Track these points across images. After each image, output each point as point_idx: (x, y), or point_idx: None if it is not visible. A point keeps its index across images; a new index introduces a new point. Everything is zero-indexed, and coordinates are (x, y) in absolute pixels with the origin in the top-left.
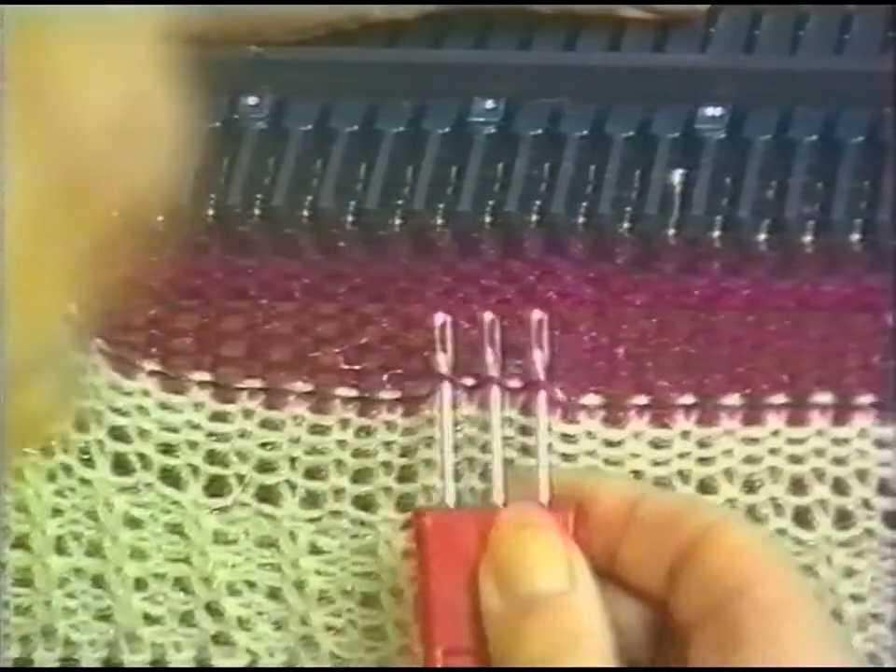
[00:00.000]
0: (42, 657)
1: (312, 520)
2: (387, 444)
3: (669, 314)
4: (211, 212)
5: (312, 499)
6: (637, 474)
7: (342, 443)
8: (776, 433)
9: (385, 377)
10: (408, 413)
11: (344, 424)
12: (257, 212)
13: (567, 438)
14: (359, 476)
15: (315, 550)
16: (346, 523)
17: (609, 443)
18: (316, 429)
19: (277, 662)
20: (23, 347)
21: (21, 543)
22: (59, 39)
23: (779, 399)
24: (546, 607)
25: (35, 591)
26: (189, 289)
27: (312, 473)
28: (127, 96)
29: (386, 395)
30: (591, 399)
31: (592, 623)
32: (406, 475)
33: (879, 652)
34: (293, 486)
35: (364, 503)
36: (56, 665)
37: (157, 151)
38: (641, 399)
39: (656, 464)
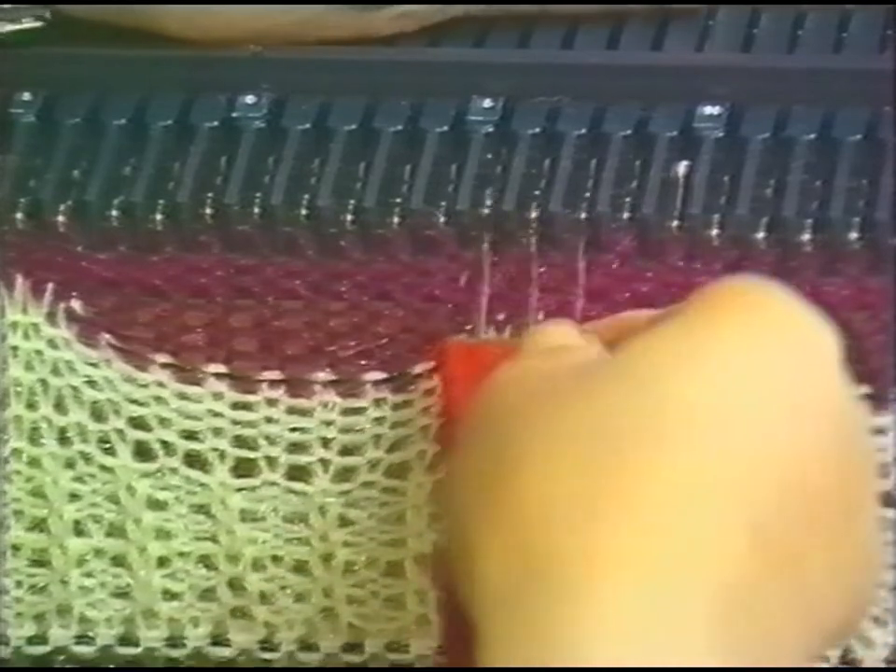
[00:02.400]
0: (56, 634)
1: (343, 493)
2: (426, 410)
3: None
4: (210, 211)
5: (345, 474)
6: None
7: (379, 420)
8: None
9: (412, 355)
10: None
11: (380, 402)
12: (256, 210)
13: None
14: (396, 446)
15: (344, 522)
16: (377, 493)
17: None
18: (350, 412)
19: (295, 635)
20: None
21: (36, 526)
22: None
23: None
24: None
25: (52, 570)
26: (192, 287)
27: (348, 450)
28: None
29: (420, 368)
30: None
31: None
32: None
33: (882, 615)
34: (326, 464)
35: (398, 471)
36: (71, 641)
37: None
38: None
39: None
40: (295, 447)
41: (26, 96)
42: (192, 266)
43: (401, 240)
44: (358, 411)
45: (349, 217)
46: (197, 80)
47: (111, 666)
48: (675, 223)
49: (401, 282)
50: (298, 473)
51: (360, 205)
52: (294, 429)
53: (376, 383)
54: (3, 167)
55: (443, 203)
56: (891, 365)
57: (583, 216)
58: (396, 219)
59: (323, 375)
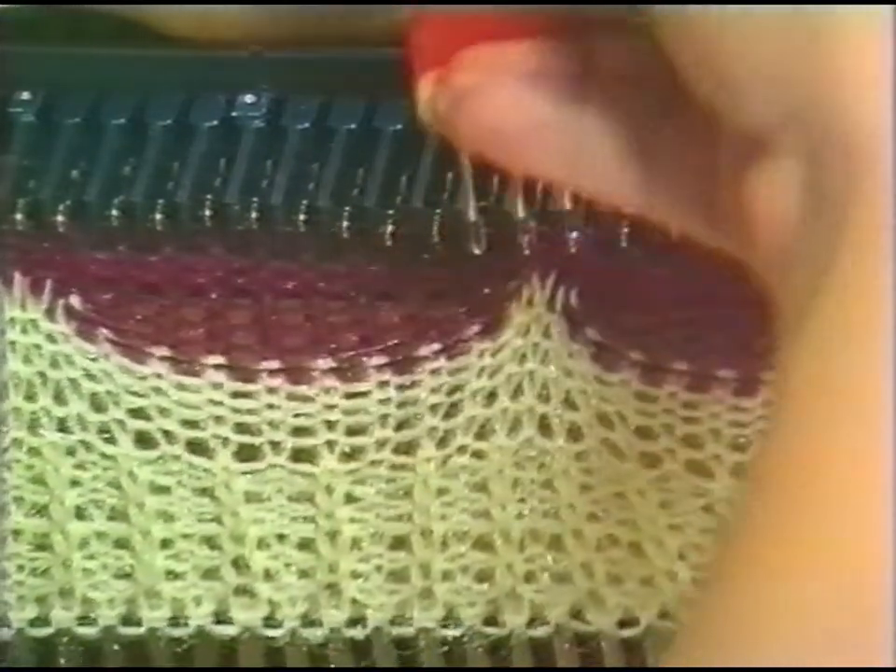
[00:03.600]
0: (59, 616)
1: (350, 472)
2: (435, 389)
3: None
4: (209, 210)
5: (352, 454)
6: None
7: (384, 401)
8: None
9: (417, 340)
10: (452, 357)
11: (383, 384)
12: (254, 210)
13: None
14: (404, 424)
15: (350, 499)
16: (384, 470)
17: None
18: (353, 395)
19: (298, 611)
20: None
21: (38, 512)
22: None
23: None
24: None
25: (53, 554)
26: (190, 286)
27: (353, 431)
28: None
29: (425, 350)
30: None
31: None
32: (452, 412)
33: None
34: (332, 445)
35: (406, 448)
36: (73, 623)
37: None
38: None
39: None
40: (299, 431)
41: (26, 96)
42: (191, 266)
43: (399, 239)
44: (362, 394)
45: (346, 217)
46: (196, 80)
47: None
48: None
49: (401, 281)
50: (303, 455)
51: (360, 206)
52: (298, 415)
53: (379, 367)
54: (2, 167)
55: (442, 203)
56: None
57: (581, 212)
58: (394, 219)
59: (323, 363)
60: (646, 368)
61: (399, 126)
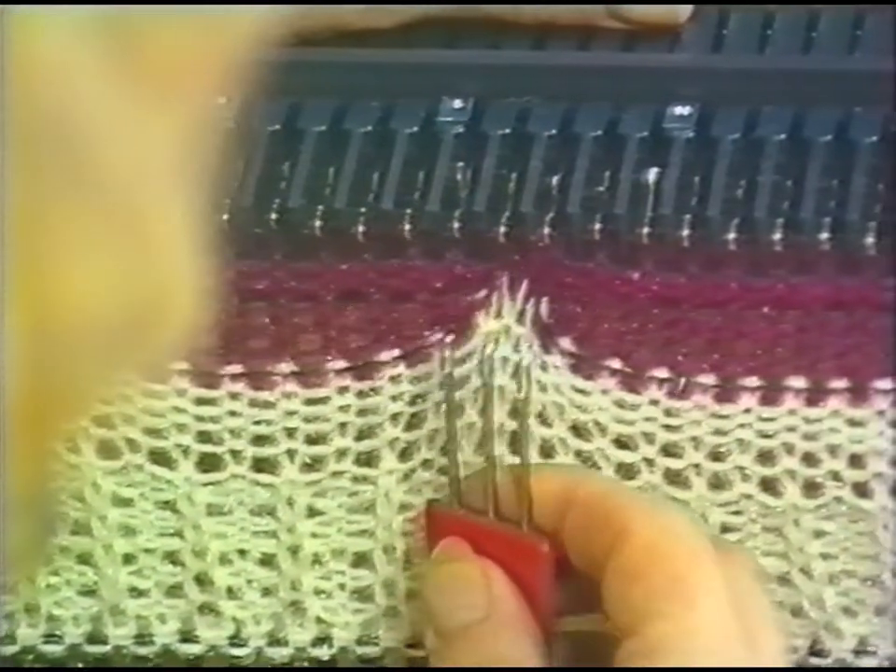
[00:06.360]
0: (24, 634)
1: (311, 483)
2: (395, 397)
3: (649, 305)
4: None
5: (313, 464)
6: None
7: (344, 408)
8: (747, 411)
9: (379, 345)
10: (412, 364)
11: (343, 390)
12: (226, 211)
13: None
14: (365, 433)
15: (312, 513)
16: (346, 481)
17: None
18: (313, 401)
19: (263, 630)
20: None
21: None
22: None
23: (753, 381)
24: (465, 638)
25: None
26: None
27: (313, 439)
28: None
29: (385, 355)
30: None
31: (509, 646)
32: (415, 422)
33: (853, 605)
34: (293, 454)
35: (367, 459)
36: (39, 641)
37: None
38: (615, 363)
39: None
40: (260, 440)
41: None
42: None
43: (371, 241)
44: (322, 400)
45: (318, 218)
46: None
47: (80, 666)
48: (645, 223)
49: (370, 282)
50: (264, 465)
51: (330, 207)
52: (259, 422)
53: (339, 371)
54: None
55: (413, 205)
56: (870, 361)
57: (554, 216)
58: (365, 220)
59: (285, 366)
60: (626, 375)
61: (370, 128)
